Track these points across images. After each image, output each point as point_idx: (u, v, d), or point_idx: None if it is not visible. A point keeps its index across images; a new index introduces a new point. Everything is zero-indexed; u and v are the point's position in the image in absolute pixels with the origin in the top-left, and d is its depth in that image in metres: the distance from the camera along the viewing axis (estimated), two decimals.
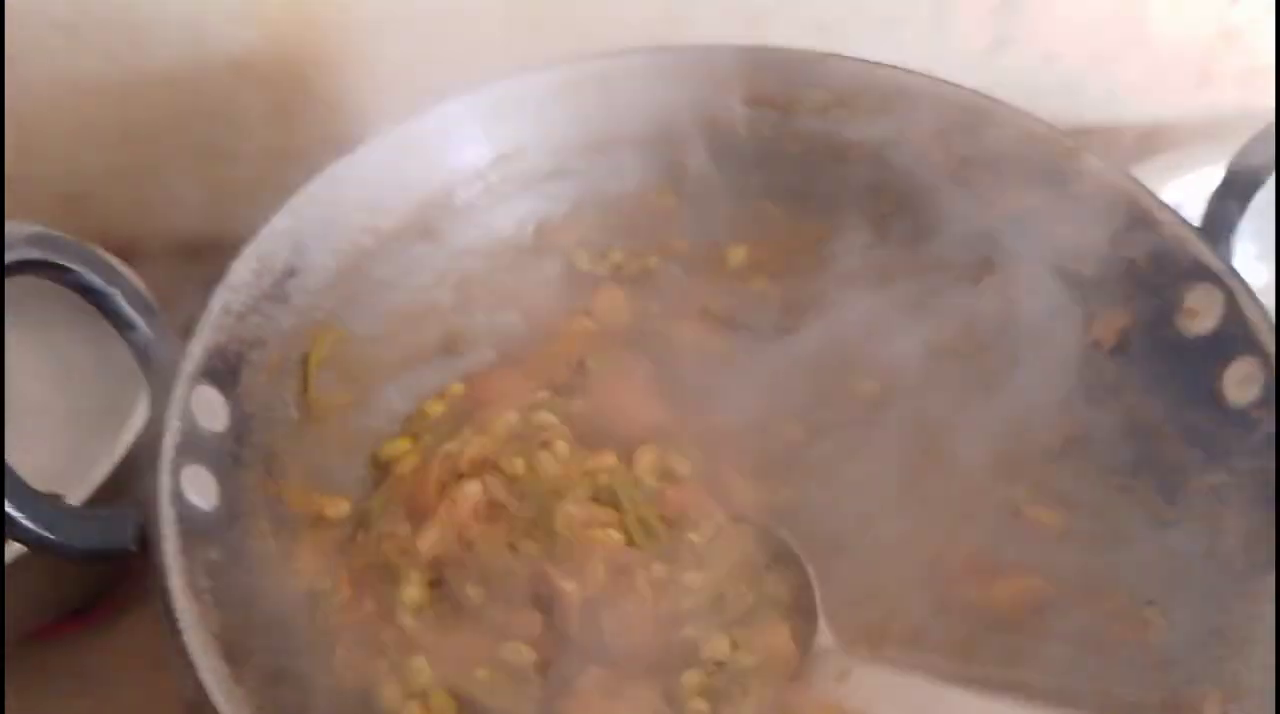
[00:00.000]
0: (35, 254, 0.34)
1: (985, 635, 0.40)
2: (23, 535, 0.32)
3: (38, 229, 0.35)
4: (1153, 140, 0.70)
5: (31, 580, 0.45)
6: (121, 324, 0.37)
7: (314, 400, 0.43)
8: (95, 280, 0.36)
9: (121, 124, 0.66)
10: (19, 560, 0.43)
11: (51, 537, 0.32)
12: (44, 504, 0.32)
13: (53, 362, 0.59)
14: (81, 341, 0.57)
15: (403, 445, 0.43)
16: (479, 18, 0.62)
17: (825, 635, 0.39)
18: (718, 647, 0.38)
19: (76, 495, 0.45)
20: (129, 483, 0.44)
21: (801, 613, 0.40)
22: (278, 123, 0.67)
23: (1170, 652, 0.37)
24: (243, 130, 0.67)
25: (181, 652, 0.32)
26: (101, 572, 0.52)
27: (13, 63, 0.61)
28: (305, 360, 0.43)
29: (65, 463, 0.53)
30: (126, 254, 0.52)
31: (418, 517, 0.40)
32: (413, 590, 0.39)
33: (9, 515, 0.32)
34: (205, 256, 0.62)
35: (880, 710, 0.36)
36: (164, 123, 0.66)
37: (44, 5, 0.59)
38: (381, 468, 0.43)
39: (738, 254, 0.51)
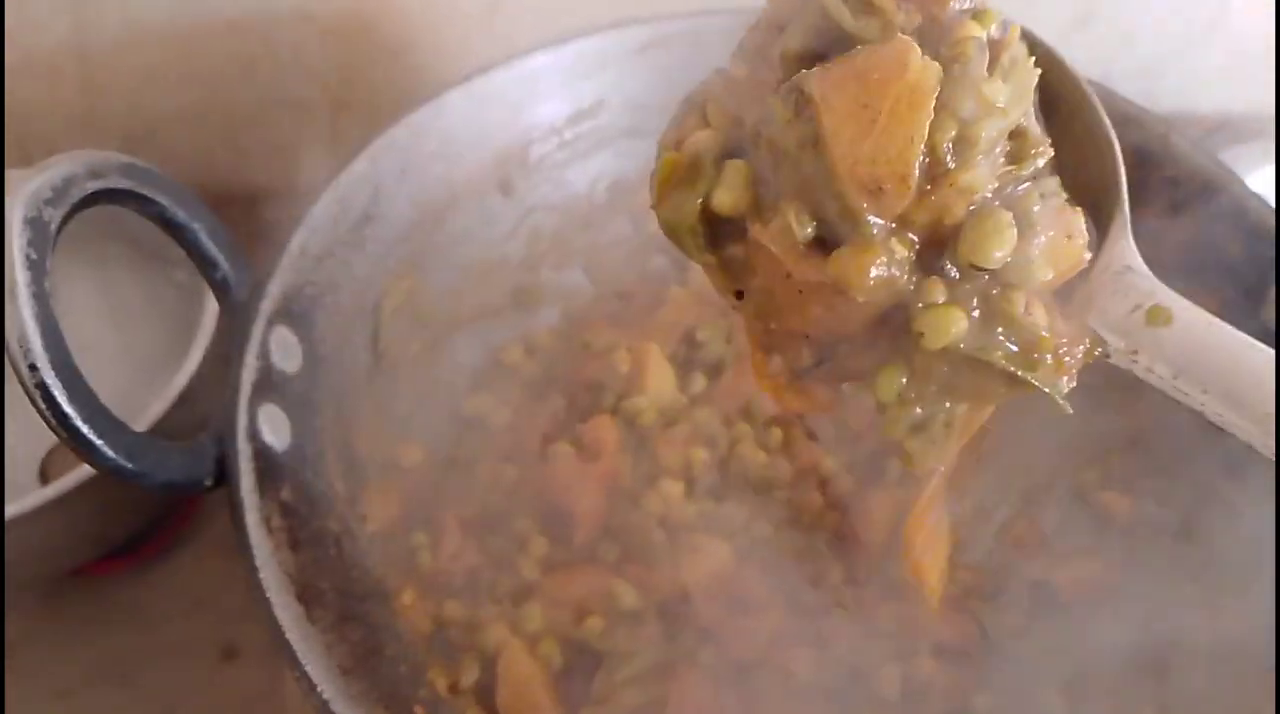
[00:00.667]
0: (126, 184, 0.34)
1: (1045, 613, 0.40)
2: (102, 461, 0.32)
3: (129, 160, 0.35)
4: (1225, 131, 0.69)
5: (82, 516, 0.46)
6: (203, 260, 0.37)
7: (386, 347, 0.43)
8: (181, 215, 0.36)
9: (188, 69, 0.66)
10: (69, 495, 0.44)
11: (130, 466, 0.32)
12: (125, 432, 0.33)
13: (107, 300, 0.59)
14: (134, 282, 0.57)
15: (487, 401, 0.43)
16: None
17: None
18: None
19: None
20: (180, 424, 0.45)
21: None
22: (344, 74, 0.67)
23: (1238, 644, 0.37)
24: (308, 81, 0.67)
25: (257, 588, 0.32)
26: (150, 511, 0.53)
27: (84, 3, 0.61)
28: (378, 308, 0.43)
29: (113, 400, 0.54)
30: None
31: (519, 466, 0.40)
32: (537, 540, 0.39)
33: (91, 441, 0.32)
34: (262, 207, 0.63)
35: None
36: (230, 70, 0.66)
37: None
38: (463, 421, 0.44)
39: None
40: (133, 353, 0.58)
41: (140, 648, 0.51)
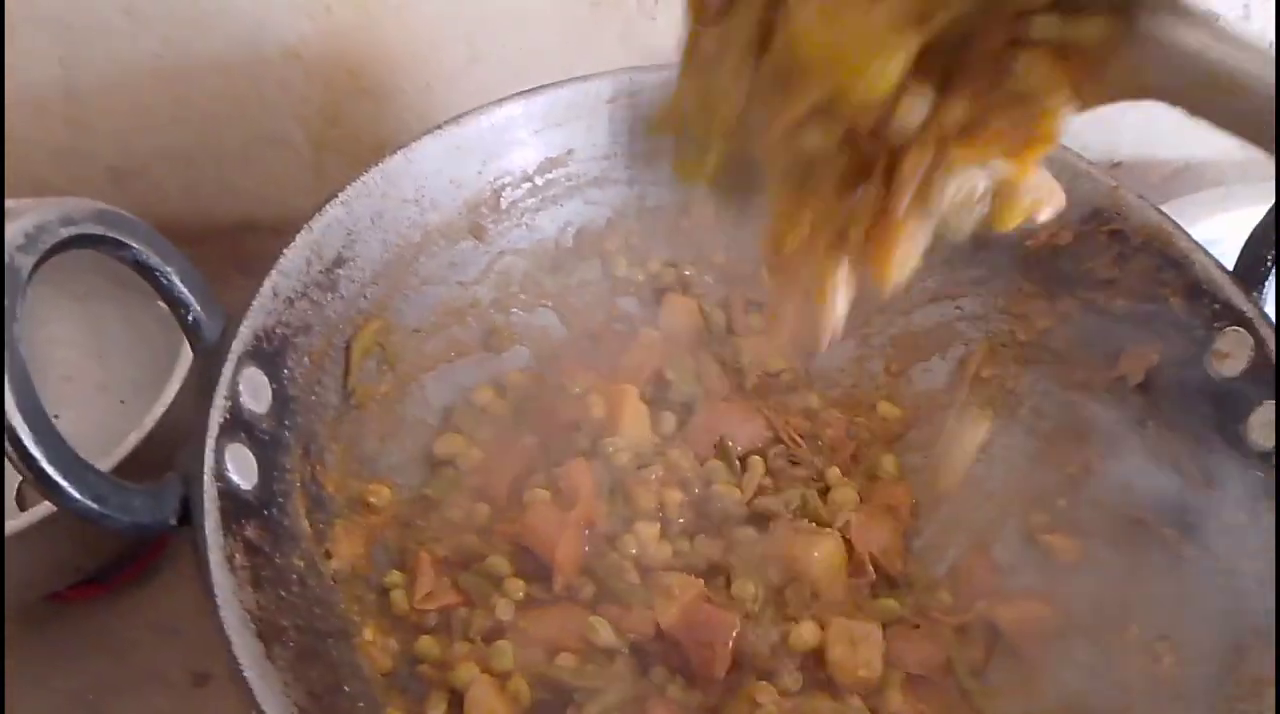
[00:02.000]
0: (99, 229, 0.35)
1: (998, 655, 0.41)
2: (71, 505, 0.33)
3: (101, 206, 0.36)
4: (1185, 177, 0.71)
5: (55, 544, 0.47)
6: (174, 302, 0.38)
7: (355, 387, 0.44)
8: (153, 258, 0.37)
9: (175, 107, 0.67)
10: (43, 523, 0.44)
11: (98, 508, 0.33)
12: (93, 476, 0.33)
13: (90, 332, 0.60)
14: (117, 315, 0.58)
15: (457, 441, 0.44)
16: (534, 26, 0.63)
17: None
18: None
19: (103, 465, 0.46)
20: (153, 457, 0.46)
21: None
22: (329, 115, 0.68)
23: (1182, 687, 0.38)
24: (293, 120, 0.68)
25: (218, 627, 0.33)
26: (124, 541, 0.53)
27: (74, 40, 0.63)
28: (349, 348, 0.44)
29: (93, 431, 0.54)
30: (169, 234, 0.54)
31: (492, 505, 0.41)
32: (513, 581, 0.40)
33: (57, 483, 0.32)
34: (245, 240, 0.64)
35: None
36: (217, 108, 0.67)
37: None
38: (433, 460, 0.45)
39: None
40: (114, 384, 0.59)
41: (112, 675, 0.52)
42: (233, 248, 0.62)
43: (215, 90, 0.67)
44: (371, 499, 0.42)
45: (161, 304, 0.57)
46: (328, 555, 0.40)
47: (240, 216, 0.68)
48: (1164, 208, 0.56)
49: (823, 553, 0.41)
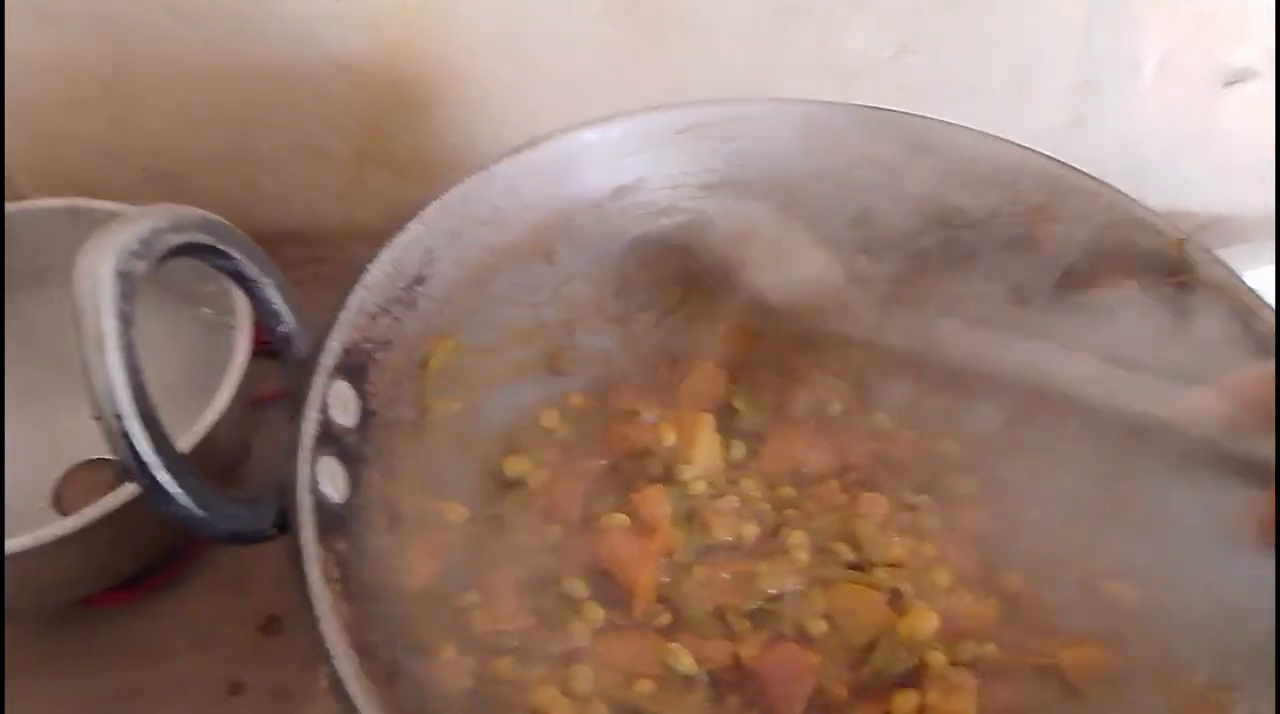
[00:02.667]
0: (207, 239, 0.36)
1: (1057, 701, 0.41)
2: (175, 511, 0.33)
3: (207, 214, 0.36)
4: (1212, 232, 0.73)
5: (94, 549, 0.47)
6: (269, 314, 0.39)
7: (430, 404, 0.44)
8: (252, 270, 0.37)
9: (216, 111, 0.67)
10: (87, 526, 0.44)
11: (202, 515, 0.33)
12: (198, 483, 0.33)
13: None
14: (157, 328, 0.58)
15: (525, 462, 0.45)
16: (581, 52, 0.64)
17: None
18: None
19: None
20: (206, 461, 0.46)
21: None
22: (369, 127, 0.68)
23: None
24: (335, 131, 0.68)
25: (319, 640, 0.33)
26: (163, 544, 0.53)
27: (118, 38, 0.63)
28: (425, 365, 0.44)
29: None
30: None
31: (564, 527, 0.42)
32: (591, 605, 0.41)
33: (168, 492, 0.33)
34: (279, 249, 0.63)
35: None
36: (258, 114, 0.67)
37: None
38: (502, 481, 0.45)
39: None
40: (156, 390, 0.58)
41: (145, 682, 0.52)
42: (268, 256, 0.62)
43: (255, 96, 0.67)
44: (446, 516, 0.42)
45: (207, 311, 0.58)
46: (408, 573, 0.40)
47: (275, 224, 0.68)
48: None
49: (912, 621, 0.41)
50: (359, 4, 0.62)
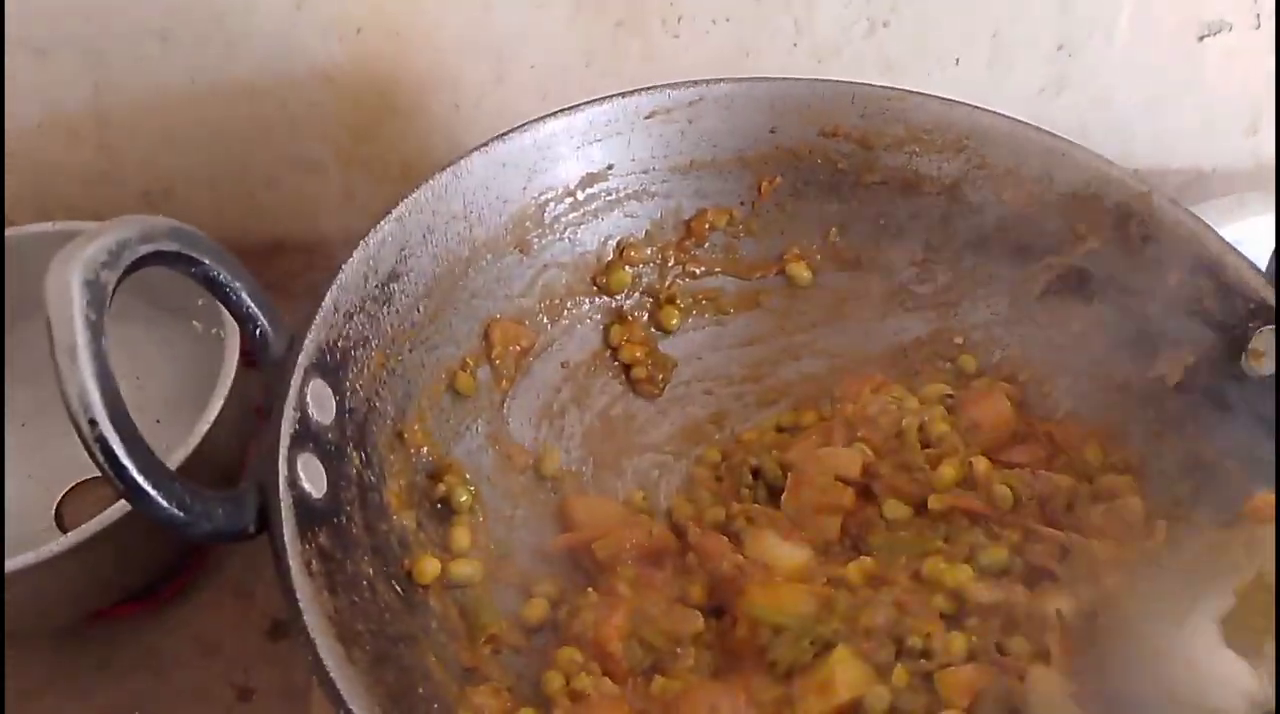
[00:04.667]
0: (175, 247, 0.36)
1: None
2: (155, 512, 0.34)
3: (176, 223, 0.37)
4: (1197, 186, 0.73)
5: (99, 563, 0.47)
6: (243, 317, 0.39)
7: (409, 398, 0.45)
8: (224, 275, 0.38)
9: (207, 129, 0.68)
10: (88, 541, 0.45)
11: (183, 516, 0.34)
12: (176, 484, 0.34)
13: (121, 355, 0.61)
14: (150, 339, 0.59)
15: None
16: (559, 46, 0.65)
17: None
18: None
19: None
20: (199, 474, 0.46)
21: None
22: (357, 135, 0.69)
23: None
24: (322, 140, 0.69)
25: (301, 630, 0.34)
26: (168, 556, 0.54)
27: (107, 64, 0.64)
28: (403, 360, 0.45)
29: None
30: None
31: None
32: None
33: (147, 493, 0.33)
34: (276, 260, 0.65)
35: None
36: (248, 130, 0.68)
37: (141, 12, 0.61)
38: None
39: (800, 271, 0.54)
40: (150, 405, 0.59)
41: (155, 692, 0.52)
42: (264, 268, 0.63)
43: (246, 112, 0.68)
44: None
45: (197, 324, 0.58)
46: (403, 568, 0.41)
47: (271, 237, 0.69)
48: None
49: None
50: (340, 16, 0.63)
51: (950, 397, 0.48)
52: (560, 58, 0.66)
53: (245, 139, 0.68)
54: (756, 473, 0.47)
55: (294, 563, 0.35)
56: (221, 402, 0.50)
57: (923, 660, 0.39)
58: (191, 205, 0.71)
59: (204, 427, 0.50)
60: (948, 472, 0.43)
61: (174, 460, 0.48)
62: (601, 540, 0.43)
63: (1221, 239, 0.43)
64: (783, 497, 0.45)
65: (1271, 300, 0.41)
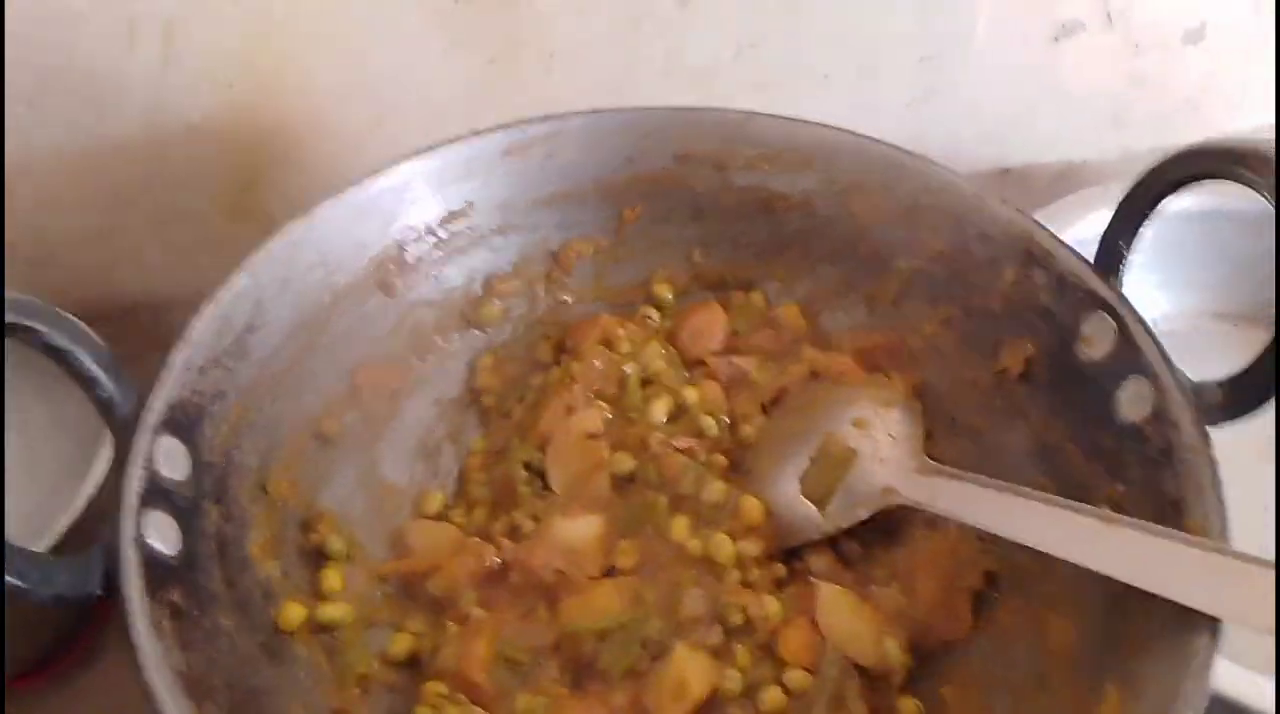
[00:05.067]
0: (11, 317, 0.36)
1: None
2: None
3: (13, 294, 0.37)
4: (1069, 179, 0.75)
5: None
6: (86, 381, 0.39)
7: (271, 449, 0.45)
8: (61, 340, 0.38)
9: (84, 191, 0.68)
10: None
11: (21, 583, 0.34)
12: (14, 552, 0.34)
13: (15, 416, 0.60)
14: (38, 403, 0.59)
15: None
16: (435, 85, 0.66)
17: None
18: None
19: (39, 546, 0.47)
20: (91, 534, 0.46)
21: None
22: (239, 184, 0.69)
23: (1074, 651, 0.39)
24: (203, 194, 0.69)
25: (145, 688, 0.34)
26: (60, 626, 0.53)
27: None
28: (263, 409, 0.45)
29: (25, 516, 0.55)
30: (90, 313, 0.54)
31: None
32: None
33: None
34: (163, 316, 0.64)
35: None
36: (126, 189, 0.68)
37: (7, 79, 0.61)
38: None
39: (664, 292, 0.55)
40: (42, 470, 0.59)
41: None
42: (152, 324, 0.63)
43: (121, 171, 0.68)
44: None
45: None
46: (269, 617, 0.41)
47: (156, 293, 0.69)
48: (1049, 208, 0.60)
49: None
50: (208, 71, 0.63)
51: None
52: (439, 96, 0.67)
53: (122, 198, 0.68)
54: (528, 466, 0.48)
55: (140, 623, 0.35)
56: (105, 466, 0.50)
57: (755, 634, 0.41)
58: (75, 267, 0.70)
59: (88, 490, 0.50)
60: (657, 408, 0.48)
61: (59, 526, 0.48)
62: (433, 578, 0.43)
63: (1051, 234, 0.45)
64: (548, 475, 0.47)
65: (1099, 288, 0.42)
